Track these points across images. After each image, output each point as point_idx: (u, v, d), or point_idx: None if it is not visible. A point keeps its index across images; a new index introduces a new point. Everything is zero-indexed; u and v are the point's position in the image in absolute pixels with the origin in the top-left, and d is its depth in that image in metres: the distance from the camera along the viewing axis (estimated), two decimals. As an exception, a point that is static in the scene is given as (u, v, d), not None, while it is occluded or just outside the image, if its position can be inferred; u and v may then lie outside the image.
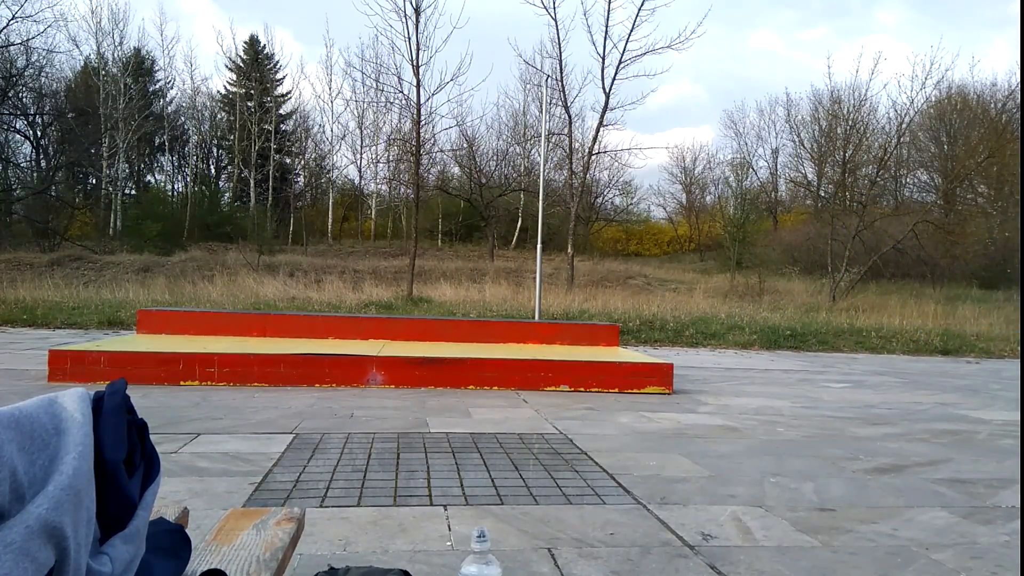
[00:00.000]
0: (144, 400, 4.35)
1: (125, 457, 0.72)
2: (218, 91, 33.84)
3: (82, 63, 29.21)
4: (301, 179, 34.15)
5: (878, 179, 25.67)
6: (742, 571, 1.94)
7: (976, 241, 24.39)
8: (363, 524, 2.23)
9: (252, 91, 32.69)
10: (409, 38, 16.91)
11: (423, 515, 2.34)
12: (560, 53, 21.26)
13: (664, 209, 39.93)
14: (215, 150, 35.14)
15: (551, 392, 5.42)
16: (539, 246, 11.66)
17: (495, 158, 30.44)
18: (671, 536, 2.21)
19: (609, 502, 2.57)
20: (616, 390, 5.52)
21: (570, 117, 22.45)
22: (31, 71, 25.74)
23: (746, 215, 28.08)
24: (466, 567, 1.17)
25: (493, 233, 28.87)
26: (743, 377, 6.97)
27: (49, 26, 30.79)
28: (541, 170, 13.42)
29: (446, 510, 2.41)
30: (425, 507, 2.44)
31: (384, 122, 30.00)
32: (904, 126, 23.72)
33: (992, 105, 28.62)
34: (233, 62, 33.37)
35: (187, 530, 0.96)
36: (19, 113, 27.08)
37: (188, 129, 33.40)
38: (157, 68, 32.31)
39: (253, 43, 33.44)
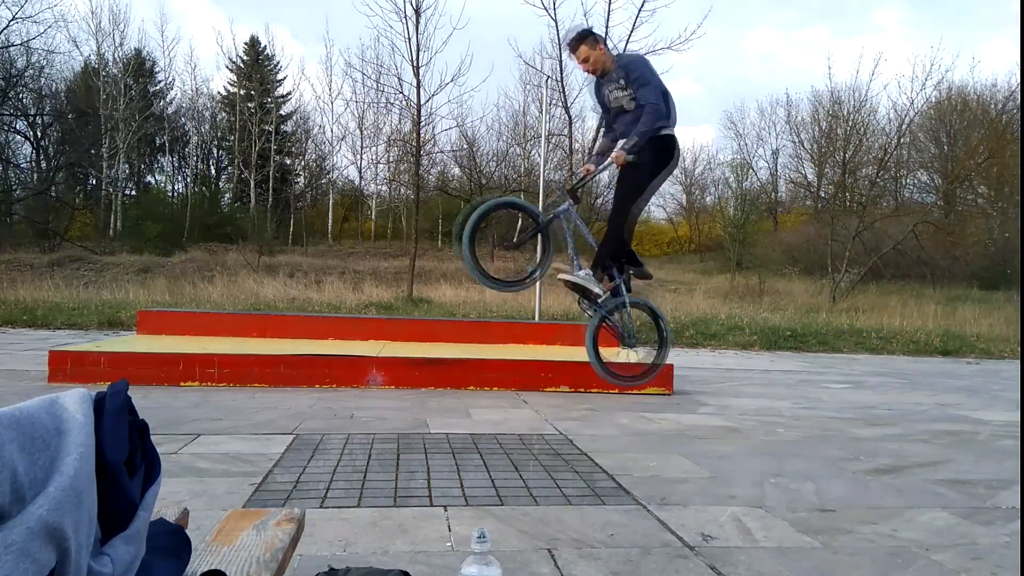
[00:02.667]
0: (144, 401, 4.35)
1: (126, 458, 0.72)
2: (218, 92, 33.83)
3: (82, 64, 29.24)
4: (301, 180, 34.13)
5: (878, 180, 25.67)
6: (742, 572, 1.95)
7: (976, 242, 24.42)
8: (363, 525, 2.23)
9: (252, 92, 32.69)
10: (409, 39, 16.92)
11: (423, 516, 2.34)
12: (560, 54, 21.23)
13: (664, 210, 39.84)
14: (215, 151, 35.13)
15: (551, 393, 5.42)
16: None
17: (495, 159, 30.42)
18: (671, 537, 2.21)
19: (609, 503, 2.57)
20: (616, 391, 5.51)
21: (570, 118, 22.43)
22: (31, 72, 25.76)
23: (746, 216, 28.10)
24: (466, 568, 1.17)
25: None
26: (743, 378, 6.97)
27: (49, 27, 30.84)
28: (541, 171, 13.41)
29: (446, 511, 2.41)
30: (425, 508, 2.44)
31: (384, 123, 29.96)
32: (904, 127, 23.74)
33: (992, 106, 28.61)
34: (233, 63, 33.38)
35: (187, 531, 0.96)
36: (19, 114, 27.09)
37: (188, 130, 33.40)
38: (158, 69, 32.33)
39: (253, 44, 33.44)
